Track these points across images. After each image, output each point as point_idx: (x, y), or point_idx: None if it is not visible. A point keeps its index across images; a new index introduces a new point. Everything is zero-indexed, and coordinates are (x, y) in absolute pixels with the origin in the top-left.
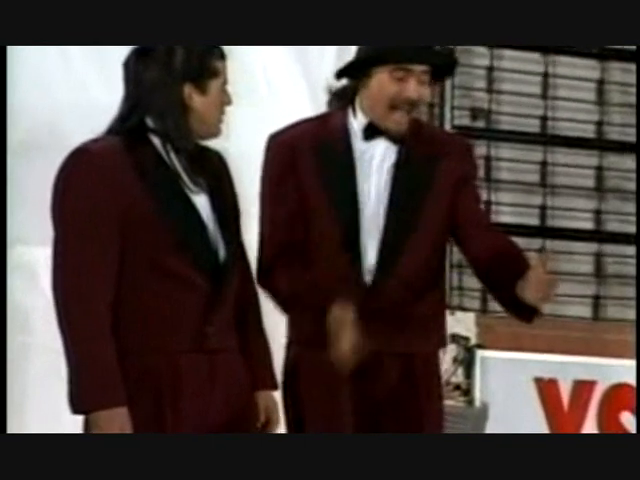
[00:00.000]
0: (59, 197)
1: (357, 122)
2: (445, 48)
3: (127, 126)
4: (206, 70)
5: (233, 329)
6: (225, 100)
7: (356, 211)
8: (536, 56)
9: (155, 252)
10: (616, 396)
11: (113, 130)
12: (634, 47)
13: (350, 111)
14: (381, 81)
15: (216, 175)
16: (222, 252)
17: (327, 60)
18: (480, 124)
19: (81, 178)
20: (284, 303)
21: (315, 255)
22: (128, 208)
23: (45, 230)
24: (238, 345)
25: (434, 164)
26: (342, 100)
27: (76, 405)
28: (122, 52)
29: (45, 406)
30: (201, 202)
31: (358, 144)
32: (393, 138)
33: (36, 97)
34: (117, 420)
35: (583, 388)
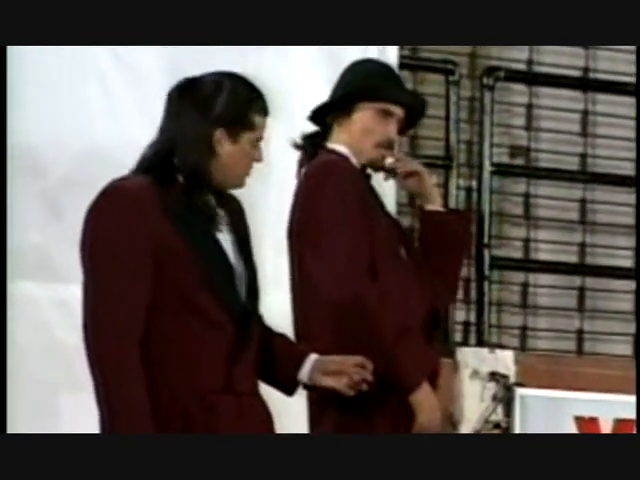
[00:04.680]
0: (90, 235)
1: (352, 161)
2: (420, 96)
3: (156, 162)
4: (242, 120)
5: (256, 372)
6: (256, 156)
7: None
8: (575, 94)
9: (184, 290)
10: None
11: (145, 163)
12: None
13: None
14: (365, 118)
15: (237, 219)
16: (247, 293)
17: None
18: (519, 162)
19: (112, 217)
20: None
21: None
22: (159, 246)
23: (48, 266)
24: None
25: None
26: (313, 145)
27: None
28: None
29: None
30: (226, 243)
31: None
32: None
33: (37, 108)
34: None
35: (624, 426)
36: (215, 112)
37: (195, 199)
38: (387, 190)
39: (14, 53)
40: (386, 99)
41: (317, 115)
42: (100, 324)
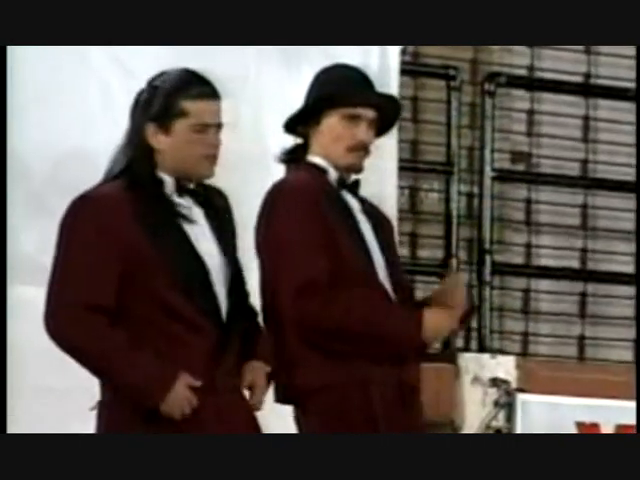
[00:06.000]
0: (62, 245)
1: (330, 174)
2: (391, 95)
3: (120, 169)
4: (169, 110)
5: (237, 368)
6: (207, 141)
7: (368, 250)
8: (576, 99)
9: (158, 295)
10: None
11: (116, 168)
12: None
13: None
14: (332, 125)
15: (217, 214)
16: (226, 295)
17: None
18: (520, 167)
19: (83, 227)
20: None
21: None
22: (129, 254)
23: (43, 270)
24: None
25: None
26: (294, 158)
27: (148, 400)
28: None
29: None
30: (203, 242)
31: (341, 192)
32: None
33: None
34: (181, 394)
35: (625, 432)
36: (142, 107)
37: (170, 200)
38: (388, 196)
39: (14, 53)
40: (349, 104)
41: (292, 126)
42: (65, 321)
